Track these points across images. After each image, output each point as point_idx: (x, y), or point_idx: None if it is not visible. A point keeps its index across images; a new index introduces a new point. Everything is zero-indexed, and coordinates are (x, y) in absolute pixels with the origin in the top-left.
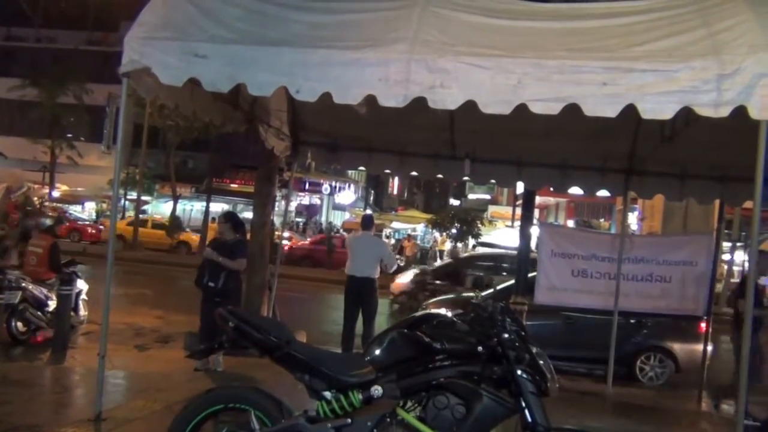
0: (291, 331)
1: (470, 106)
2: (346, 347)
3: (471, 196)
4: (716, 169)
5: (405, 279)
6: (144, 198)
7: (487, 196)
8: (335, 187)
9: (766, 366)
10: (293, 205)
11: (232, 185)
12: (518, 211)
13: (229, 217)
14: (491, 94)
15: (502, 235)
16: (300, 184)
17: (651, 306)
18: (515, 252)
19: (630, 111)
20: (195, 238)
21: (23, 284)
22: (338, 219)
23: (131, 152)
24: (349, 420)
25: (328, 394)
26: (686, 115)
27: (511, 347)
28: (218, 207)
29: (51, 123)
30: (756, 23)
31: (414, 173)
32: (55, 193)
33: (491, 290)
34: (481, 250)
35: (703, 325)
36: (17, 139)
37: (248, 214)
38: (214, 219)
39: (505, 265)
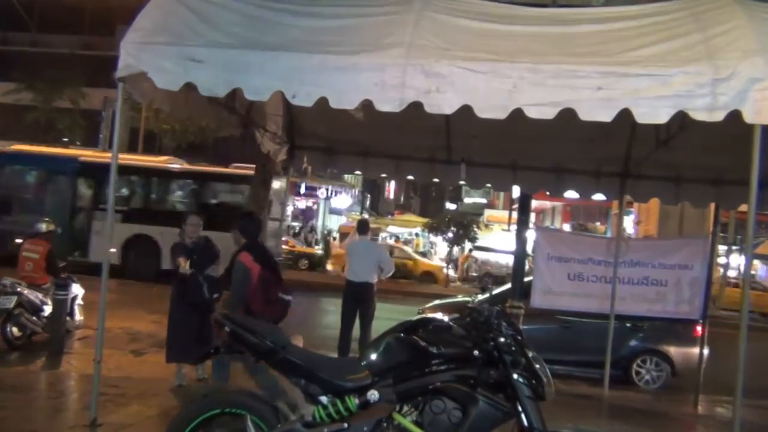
0: (287, 336)
1: (466, 111)
2: (342, 352)
3: (467, 200)
4: (711, 173)
5: None
6: None
7: (484, 200)
8: (331, 191)
9: None
10: (289, 210)
11: None
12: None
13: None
14: (487, 99)
15: (498, 239)
16: (296, 188)
17: (647, 309)
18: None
19: (625, 115)
20: None
21: (18, 289)
22: (335, 223)
23: None
24: (346, 425)
25: (324, 399)
26: (681, 119)
27: (508, 351)
28: None
29: (46, 127)
30: (750, 28)
31: (410, 177)
32: None
33: (487, 294)
34: None
35: (699, 328)
36: (12, 143)
37: None
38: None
39: None
